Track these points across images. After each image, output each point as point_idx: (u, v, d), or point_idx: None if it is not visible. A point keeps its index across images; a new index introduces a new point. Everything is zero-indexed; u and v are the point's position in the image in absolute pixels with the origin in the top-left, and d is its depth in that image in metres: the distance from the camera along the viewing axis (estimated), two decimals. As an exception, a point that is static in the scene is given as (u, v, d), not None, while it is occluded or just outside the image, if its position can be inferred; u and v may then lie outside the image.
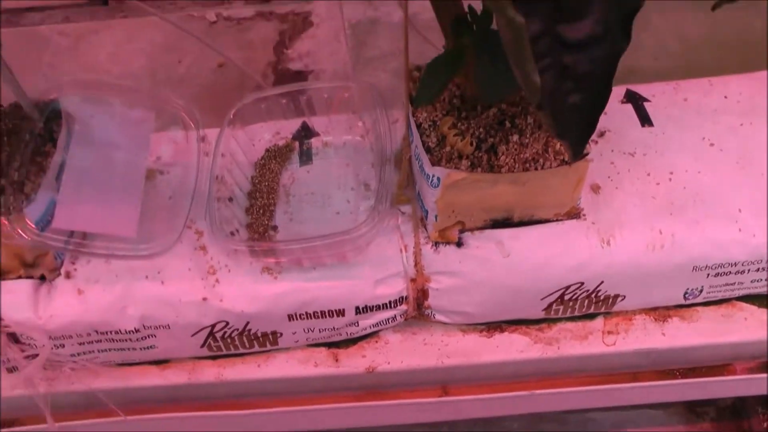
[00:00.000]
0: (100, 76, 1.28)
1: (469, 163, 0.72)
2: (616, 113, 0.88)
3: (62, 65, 1.32)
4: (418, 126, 0.74)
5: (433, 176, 0.72)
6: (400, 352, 0.85)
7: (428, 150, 0.73)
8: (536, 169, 0.72)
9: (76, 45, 1.36)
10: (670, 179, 0.82)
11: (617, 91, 0.89)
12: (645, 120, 0.87)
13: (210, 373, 0.86)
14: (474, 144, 0.72)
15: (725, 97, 0.90)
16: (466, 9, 0.69)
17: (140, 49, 1.34)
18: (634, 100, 0.89)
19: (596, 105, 0.54)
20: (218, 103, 1.20)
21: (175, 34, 1.34)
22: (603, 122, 0.81)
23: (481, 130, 0.73)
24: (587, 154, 0.71)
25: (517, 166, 0.72)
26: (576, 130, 0.55)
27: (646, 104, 0.89)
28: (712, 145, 0.85)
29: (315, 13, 1.38)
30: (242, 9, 1.42)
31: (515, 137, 0.72)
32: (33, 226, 0.74)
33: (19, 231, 0.73)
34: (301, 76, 1.26)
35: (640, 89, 0.91)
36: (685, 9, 1.29)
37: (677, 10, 1.29)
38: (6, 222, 0.73)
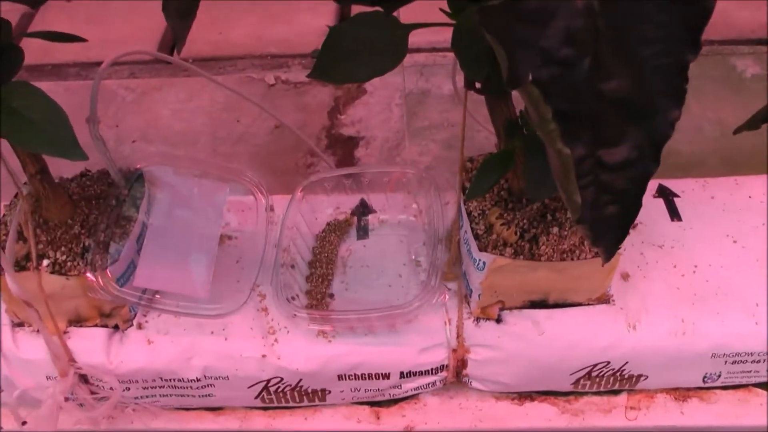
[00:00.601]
0: (162, 130, 1.35)
1: (513, 250, 0.79)
2: (647, 207, 0.93)
3: (126, 119, 1.39)
4: (469, 214, 0.82)
5: (480, 260, 0.80)
6: (437, 414, 0.91)
7: (476, 236, 0.80)
8: (573, 259, 0.79)
9: (140, 100, 1.43)
10: (694, 272, 0.88)
11: (650, 185, 0.95)
12: (674, 214, 0.94)
13: (260, 422, 0.92)
14: (518, 234, 0.79)
15: (750, 197, 0.95)
16: (518, 113, 0.77)
17: (201, 108, 1.41)
18: (665, 195, 0.95)
19: (629, 216, 0.61)
20: (273, 162, 1.27)
21: (234, 95, 1.42)
22: (633, 223, 0.87)
23: (525, 221, 0.80)
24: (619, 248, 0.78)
25: (555, 255, 0.79)
26: (610, 237, 0.62)
27: (676, 199, 0.95)
28: (735, 242, 0.91)
29: (369, 81, 1.43)
30: (300, 73, 1.49)
31: (555, 230, 0.79)
32: (114, 282, 0.82)
33: (102, 286, 0.81)
34: (353, 141, 1.33)
35: (671, 184, 0.97)
36: (721, 95, 1.34)
37: (714, 96, 1.34)
38: (91, 277, 0.81)
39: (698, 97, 1.34)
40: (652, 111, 0.56)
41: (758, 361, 0.86)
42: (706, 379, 0.89)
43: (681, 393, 0.91)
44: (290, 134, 1.34)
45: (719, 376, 0.88)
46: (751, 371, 0.88)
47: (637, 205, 0.60)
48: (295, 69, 1.52)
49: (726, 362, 0.86)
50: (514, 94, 0.75)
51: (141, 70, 1.53)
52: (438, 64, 1.49)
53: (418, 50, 1.53)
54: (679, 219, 0.93)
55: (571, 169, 0.54)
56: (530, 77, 0.51)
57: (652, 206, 0.94)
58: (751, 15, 1.55)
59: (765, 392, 0.90)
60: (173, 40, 1.33)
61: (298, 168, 1.28)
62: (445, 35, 1.60)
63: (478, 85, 0.74)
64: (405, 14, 0.70)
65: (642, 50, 0.53)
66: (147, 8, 1.56)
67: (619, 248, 0.77)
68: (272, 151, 1.32)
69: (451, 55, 1.57)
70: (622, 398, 0.91)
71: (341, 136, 1.35)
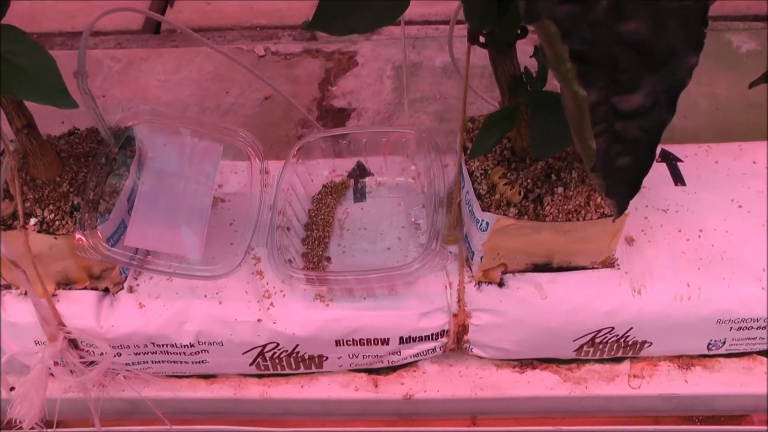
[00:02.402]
0: (149, 101, 1.33)
1: (517, 211, 0.77)
2: (651, 171, 0.90)
3: (112, 89, 1.37)
4: (471, 174, 0.80)
5: (483, 221, 0.78)
6: (436, 382, 0.89)
7: (479, 196, 0.78)
8: (578, 220, 0.77)
9: (126, 70, 1.41)
10: (700, 236, 0.87)
11: None
12: (678, 179, 0.92)
13: (255, 390, 0.90)
14: (522, 194, 0.77)
15: (754, 162, 0.94)
16: (522, 69, 0.75)
17: (189, 78, 1.39)
18: (669, 159, 0.94)
19: (642, 168, 0.60)
20: (263, 134, 1.25)
21: (223, 65, 1.39)
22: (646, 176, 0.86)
23: (529, 181, 0.78)
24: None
25: (560, 216, 0.77)
26: (622, 190, 0.60)
27: (679, 164, 0.94)
28: (740, 207, 0.89)
29: (360, 53, 1.43)
30: (290, 45, 1.47)
31: (560, 189, 0.78)
32: (104, 242, 0.80)
33: (92, 246, 0.78)
34: (344, 113, 1.31)
35: (674, 150, 0.96)
36: (716, 70, 1.33)
37: (709, 71, 1.34)
38: (80, 237, 0.78)
39: (694, 72, 1.33)
40: (670, 56, 0.55)
41: (763, 327, 0.85)
42: (710, 346, 0.87)
43: (684, 361, 0.90)
44: (280, 105, 1.33)
45: (724, 342, 0.87)
46: (756, 338, 0.87)
47: (651, 157, 0.59)
48: (285, 40, 1.50)
49: (731, 328, 0.85)
50: (519, 47, 0.74)
51: (128, 40, 1.50)
52: (430, 36, 1.47)
53: (411, 22, 1.51)
54: (683, 184, 0.92)
55: (586, 112, 0.53)
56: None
57: (655, 170, 0.92)
58: (747, -9, 1.54)
59: (769, 359, 0.90)
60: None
61: (288, 139, 1.27)
62: (437, 8, 1.59)
63: (482, 39, 0.72)
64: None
65: (662, -9, 0.52)
66: (134, -24, 1.54)
67: (628, 206, 0.76)
68: (262, 123, 1.30)
69: (443, 27, 1.56)
70: (625, 366, 0.90)
71: (332, 107, 1.33)
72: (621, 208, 0.61)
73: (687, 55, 0.55)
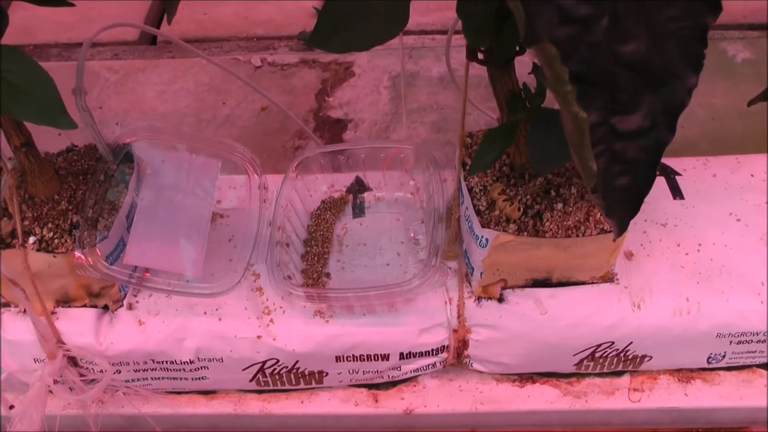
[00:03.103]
0: (146, 112, 1.33)
1: (516, 227, 0.77)
2: None
3: (109, 100, 1.36)
4: (470, 190, 0.80)
5: (482, 237, 0.78)
6: (436, 397, 0.89)
7: (478, 212, 0.78)
8: (577, 235, 0.77)
9: (123, 81, 1.41)
10: (698, 250, 0.87)
11: None
12: (676, 193, 0.92)
13: (255, 405, 0.90)
14: (521, 210, 0.77)
15: (752, 175, 0.94)
16: (521, 85, 0.75)
17: (185, 89, 1.39)
18: (667, 173, 0.94)
19: (642, 188, 0.60)
20: (259, 145, 1.26)
21: (220, 76, 1.39)
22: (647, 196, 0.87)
23: (528, 197, 0.78)
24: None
25: (560, 232, 0.77)
26: (623, 209, 0.60)
27: (677, 178, 0.94)
28: (738, 220, 0.89)
29: (357, 63, 1.43)
30: (287, 55, 1.47)
31: (559, 205, 0.78)
32: (103, 260, 0.79)
33: (91, 264, 0.78)
34: (341, 124, 1.31)
35: (672, 163, 0.96)
36: (712, 79, 1.34)
37: (706, 80, 1.34)
38: (79, 255, 0.78)
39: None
40: (670, 77, 0.55)
41: (763, 341, 0.85)
42: (710, 360, 0.87)
43: (684, 374, 0.90)
44: (277, 117, 1.32)
45: (724, 356, 0.87)
46: (755, 351, 0.87)
47: (651, 177, 0.59)
48: (282, 51, 1.50)
49: (731, 342, 0.85)
50: (518, 62, 0.74)
51: (125, 51, 1.50)
52: (427, 46, 1.47)
53: (408, 32, 1.51)
54: (681, 197, 0.92)
55: (586, 133, 0.53)
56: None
57: (654, 184, 0.92)
58: (742, 0, 1.55)
59: (768, 372, 0.90)
60: (164, 8, 1.30)
61: (285, 150, 1.26)
62: (434, 17, 1.59)
63: (480, 56, 0.73)
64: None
65: (661, 12, 0.52)
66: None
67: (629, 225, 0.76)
68: (258, 134, 1.30)
69: (440, 37, 1.56)
70: (625, 380, 0.90)
71: (329, 118, 1.33)
72: (621, 228, 0.61)
73: (686, 75, 0.55)
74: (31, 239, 0.79)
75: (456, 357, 0.87)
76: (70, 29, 1.53)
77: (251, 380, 0.87)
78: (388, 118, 1.32)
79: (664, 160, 0.96)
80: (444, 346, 0.85)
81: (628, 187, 0.58)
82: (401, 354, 0.85)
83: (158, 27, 1.55)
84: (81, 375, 0.87)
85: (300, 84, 1.40)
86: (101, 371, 0.85)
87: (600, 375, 0.90)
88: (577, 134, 0.53)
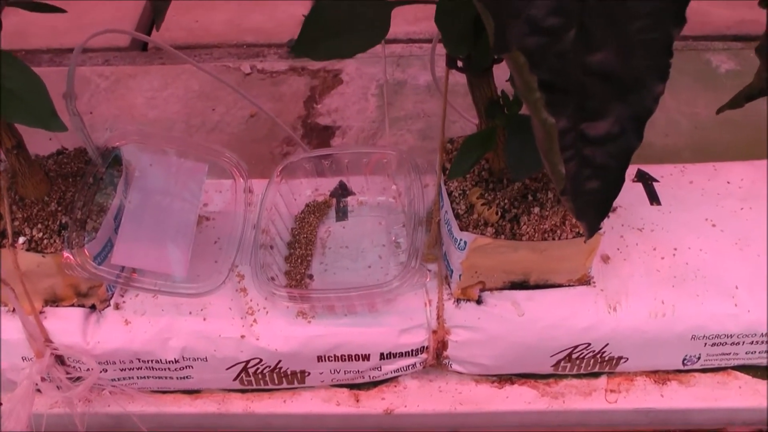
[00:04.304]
0: (136, 118, 1.34)
1: (494, 230, 0.79)
2: (627, 191, 0.94)
3: (100, 106, 1.37)
4: (449, 194, 0.82)
5: (461, 240, 0.80)
6: (416, 397, 0.91)
7: (457, 216, 0.80)
8: (554, 239, 0.79)
9: (114, 87, 1.42)
10: (674, 255, 0.89)
11: (630, 170, 0.94)
12: (654, 198, 0.94)
13: (238, 405, 0.91)
14: (499, 213, 0.79)
15: (728, 182, 0.96)
16: (499, 93, 0.77)
17: (176, 95, 1.40)
18: (645, 179, 0.96)
19: (611, 191, 0.61)
20: (248, 152, 1.27)
21: (210, 83, 1.40)
22: (615, 199, 0.88)
23: (506, 201, 0.80)
24: (600, 229, 0.78)
25: (536, 235, 0.79)
26: (592, 212, 0.62)
27: (655, 184, 0.95)
28: (714, 225, 0.91)
29: (345, 71, 1.44)
30: (276, 63, 1.48)
31: (536, 209, 0.80)
32: (91, 260, 0.81)
33: (79, 264, 0.80)
34: (329, 131, 1.32)
35: (650, 170, 0.97)
36: (696, 90, 1.35)
37: (690, 90, 1.35)
38: (68, 255, 0.80)
39: (673, 91, 1.35)
40: (637, 85, 0.56)
41: (737, 343, 0.87)
42: (685, 362, 0.89)
43: (660, 376, 0.91)
44: (265, 123, 1.34)
45: (699, 358, 0.89)
46: (730, 353, 0.88)
47: (619, 181, 0.60)
48: (271, 58, 1.52)
49: (705, 344, 0.87)
50: (496, 73, 0.76)
51: (115, 57, 1.51)
52: (414, 55, 1.49)
53: (395, 41, 1.53)
54: (659, 203, 0.94)
55: (555, 139, 0.55)
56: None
57: (631, 190, 0.95)
58: (725, 12, 1.56)
59: (743, 375, 0.91)
60: (153, 15, 1.32)
61: (273, 157, 1.28)
62: (422, 26, 1.61)
63: (460, 64, 0.74)
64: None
65: (629, 23, 0.54)
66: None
67: (601, 227, 0.78)
68: (247, 140, 1.31)
69: (427, 46, 1.58)
70: (602, 381, 0.91)
71: (317, 125, 1.34)
72: (592, 230, 0.62)
73: (653, 84, 0.57)
74: (21, 239, 0.80)
75: (435, 358, 0.89)
76: (62, 35, 1.54)
77: (235, 379, 0.89)
78: (375, 125, 1.33)
79: (642, 167, 0.98)
80: (424, 347, 0.87)
81: (597, 190, 0.60)
82: (382, 354, 0.86)
83: (149, 34, 1.56)
84: (68, 373, 0.88)
85: (289, 91, 1.41)
86: (88, 370, 0.86)
87: (577, 376, 0.91)
88: (546, 140, 0.55)
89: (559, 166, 0.56)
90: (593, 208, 0.61)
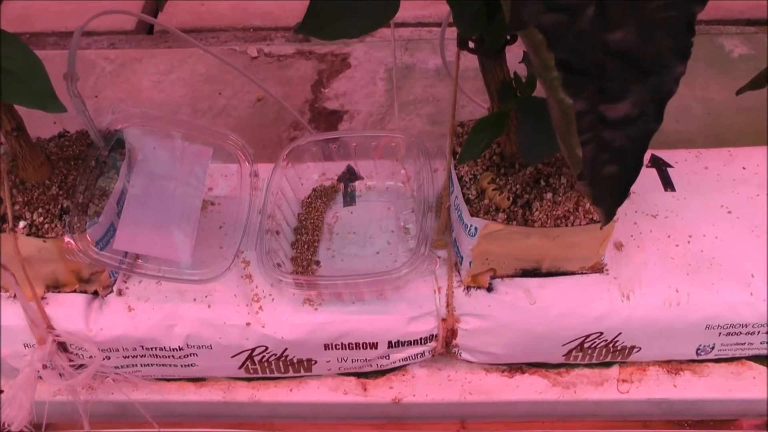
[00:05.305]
0: (142, 101, 1.33)
1: (505, 216, 0.77)
2: (641, 177, 0.89)
3: (105, 89, 1.37)
4: (460, 179, 0.80)
5: (471, 226, 0.78)
6: (425, 386, 0.89)
7: (468, 201, 0.78)
8: (567, 225, 0.77)
9: (119, 71, 1.41)
10: (689, 242, 0.87)
11: None
12: (668, 184, 0.92)
13: (244, 393, 0.90)
14: (511, 199, 0.77)
15: (744, 168, 0.94)
16: (512, 75, 0.75)
17: (182, 79, 1.39)
18: (659, 165, 0.94)
19: (629, 176, 0.59)
20: (255, 136, 1.26)
21: (216, 67, 1.39)
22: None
23: (517, 186, 0.78)
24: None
25: (549, 221, 0.77)
26: (609, 197, 0.60)
27: (669, 170, 0.94)
28: (729, 212, 0.90)
29: (353, 55, 1.43)
30: (283, 46, 1.47)
31: (549, 195, 0.78)
32: (93, 245, 0.80)
33: (81, 249, 0.78)
34: (336, 115, 1.31)
35: (665, 155, 0.96)
36: (709, 74, 1.34)
37: (702, 76, 1.34)
38: (69, 240, 0.78)
39: (686, 76, 1.32)
40: (657, 66, 0.55)
41: (752, 333, 0.85)
42: (699, 351, 0.88)
43: (673, 366, 0.90)
44: (272, 107, 1.33)
45: (713, 348, 0.87)
46: (744, 343, 0.87)
47: (638, 166, 0.59)
48: (278, 42, 1.51)
49: (720, 334, 0.85)
50: (509, 52, 0.74)
51: (121, 41, 1.50)
52: (423, 38, 1.48)
53: (404, 24, 1.51)
54: (673, 189, 0.92)
55: (572, 120, 0.53)
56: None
57: (645, 176, 0.93)
58: (740, -3, 1.55)
59: (758, 365, 0.90)
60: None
61: (280, 141, 1.27)
62: (431, 10, 1.59)
63: (471, 45, 0.73)
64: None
65: (649, 1, 0.52)
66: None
67: (616, 214, 0.76)
68: (254, 124, 1.30)
69: (436, 30, 1.56)
70: (614, 371, 0.90)
71: (325, 109, 1.34)
72: (608, 216, 0.61)
73: (674, 64, 0.55)
74: (22, 224, 0.79)
75: (445, 346, 0.87)
76: (66, 18, 1.53)
77: (240, 367, 0.88)
78: (383, 109, 1.32)
79: (656, 152, 0.96)
80: (433, 335, 0.86)
81: (615, 175, 0.58)
82: (390, 342, 0.85)
83: (155, 16, 1.55)
84: (70, 361, 0.86)
85: (296, 75, 1.40)
86: (90, 357, 0.85)
87: (589, 366, 0.90)
88: (563, 121, 0.54)
89: (576, 149, 0.54)
90: (610, 193, 0.60)
